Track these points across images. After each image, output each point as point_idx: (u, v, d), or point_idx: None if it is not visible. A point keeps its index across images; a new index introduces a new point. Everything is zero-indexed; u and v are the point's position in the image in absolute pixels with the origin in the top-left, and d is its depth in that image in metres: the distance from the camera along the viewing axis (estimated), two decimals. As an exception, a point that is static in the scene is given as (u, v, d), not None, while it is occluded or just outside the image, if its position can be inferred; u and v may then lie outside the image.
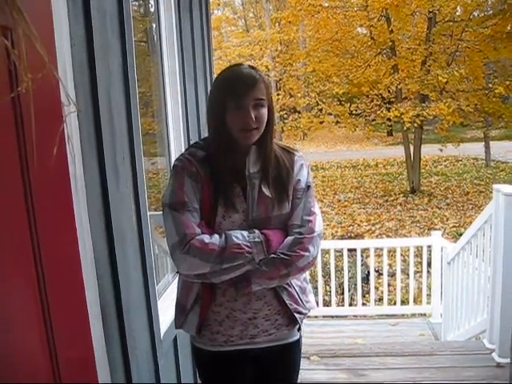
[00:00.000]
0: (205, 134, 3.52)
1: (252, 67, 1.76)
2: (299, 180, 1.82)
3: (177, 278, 2.79)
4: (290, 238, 1.77)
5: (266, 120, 1.72)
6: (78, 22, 1.73)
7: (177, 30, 3.13)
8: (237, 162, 1.75)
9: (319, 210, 1.88)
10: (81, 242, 1.51)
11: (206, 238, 1.67)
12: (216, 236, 1.69)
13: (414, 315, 6.66)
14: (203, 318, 1.80)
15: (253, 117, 1.67)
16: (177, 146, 3.15)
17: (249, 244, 1.68)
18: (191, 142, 3.20)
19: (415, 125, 14.41)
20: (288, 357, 1.97)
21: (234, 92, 1.68)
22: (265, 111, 1.71)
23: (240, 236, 1.69)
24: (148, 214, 2.38)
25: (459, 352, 3.93)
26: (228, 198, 1.73)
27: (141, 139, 2.32)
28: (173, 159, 3.10)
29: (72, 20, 1.65)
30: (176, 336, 2.77)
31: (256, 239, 1.70)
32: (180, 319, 1.88)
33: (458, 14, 14.99)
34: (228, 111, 1.69)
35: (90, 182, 1.73)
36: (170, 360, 2.72)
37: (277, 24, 20.91)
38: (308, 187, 1.84)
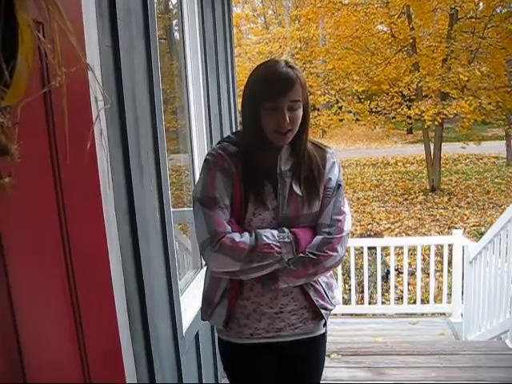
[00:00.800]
0: (226, 130, 3.56)
1: (289, 65, 1.71)
2: (330, 179, 1.81)
3: (199, 274, 2.81)
4: (318, 238, 1.76)
5: (300, 121, 1.70)
6: (105, 21, 1.75)
7: (199, 28, 3.13)
8: (269, 160, 1.74)
9: (348, 208, 1.87)
10: (108, 237, 1.52)
11: (237, 236, 1.67)
12: (246, 234, 1.69)
13: (434, 314, 6.61)
14: (231, 311, 1.81)
15: (287, 119, 1.65)
16: (199, 143, 3.15)
17: (278, 244, 1.68)
18: (213, 139, 3.21)
19: (436, 123, 14.31)
20: (313, 350, 1.97)
21: (270, 92, 1.65)
22: (300, 112, 1.69)
23: (270, 235, 1.68)
24: (171, 210, 2.39)
25: (481, 352, 3.90)
26: (259, 195, 1.72)
27: (164, 136, 2.33)
28: (195, 156, 3.11)
29: (99, 18, 1.66)
30: (198, 332, 2.79)
31: (286, 239, 1.70)
32: (207, 312, 1.88)
33: (480, 10, 14.80)
34: (263, 111, 1.66)
35: (116, 178, 1.74)
36: (191, 356, 2.73)
37: (296, 21, 20.89)
38: (339, 186, 1.83)
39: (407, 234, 11.28)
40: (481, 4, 14.66)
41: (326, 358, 3.75)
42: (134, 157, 1.92)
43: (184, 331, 2.51)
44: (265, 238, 1.67)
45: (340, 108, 16.07)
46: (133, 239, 1.91)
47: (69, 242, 1.20)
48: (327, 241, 1.75)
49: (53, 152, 1.17)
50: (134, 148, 1.94)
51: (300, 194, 1.75)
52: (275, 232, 1.70)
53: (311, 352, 1.97)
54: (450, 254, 6.30)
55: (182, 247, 3.48)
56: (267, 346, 1.85)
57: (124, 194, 1.86)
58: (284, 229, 1.73)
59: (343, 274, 6.86)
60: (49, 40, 0.91)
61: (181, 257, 3.37)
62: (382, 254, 6.68)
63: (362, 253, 6.39)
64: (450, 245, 6.32)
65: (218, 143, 1.84)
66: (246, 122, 1.78)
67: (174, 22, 3.45)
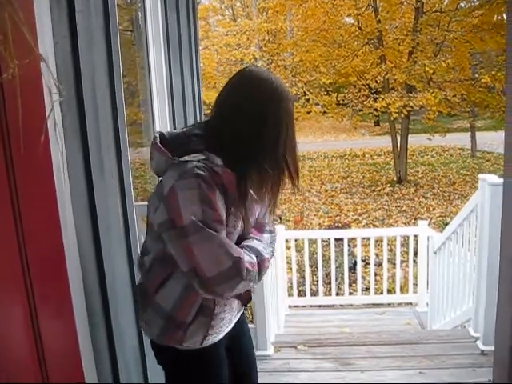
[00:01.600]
0: (190, 123, 3.51)
1: None
2: None
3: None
4: (268, 237, 1.80)
5: None
6: (61, 10, 1.70)
7: (163, 20, 3.10)
8: None
9: None
10: (64, 232, 1.49)
11: (247, 257, 1.60)
12: (248, 252, 1.63)
13: (400, 304, 6.70)
14: (209, 326, 1.72)
15: None
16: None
17: (269, 255, 1.71)
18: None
19: (402, 115, 14.46)
20: (245, 323, 2.07)
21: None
22: None
23: (262, 249, 1.68)
24: (134, 204, 2.36)
25: (445, 340, 3.96)
26: (243, 207, 1.65)
27: (126, 129, 2.29)
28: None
29: (54, 7, 1.62)
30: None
31: (271, 248, 1.74)
32: (175, 336, 1.71)
33: (445, 4, 14.98)
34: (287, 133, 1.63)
35: (74, 172, 1.70)
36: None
37: (264, 13, 20.83)
38: None
39: (374, 226, 11.40)
40: (445, -2, 14.86)
41: (293, 349, 3.81)
42: (93, 150, 1.89)
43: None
44: (264, 254, 1.67)
45: (307, 100, 16.10)
46: (93, 234, 1.88)
47: (23, 236, 1.17)
48: (273, 238, 1.83)
49: (6, 145, 1.14)
50: (94, 141, 1.91)
51: (256, 197, 1.71)
52: (261, 244, 1.71)
53: (244, 325, 2.05)
54: (416, 244, 6.39)
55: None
56: (224, 338, 1.84)
57: (84, 188, 1.83)
58: (259, 238, 1.74)
59: (311, 266, 6.89)
60: (2, 30, 0.88)
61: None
62: (349, 246, 6.73)
63: (329, 244, 6.43)
64: (415, 235, 6.42)
65: (201, 152, 1.59)
66: (274, 141, 1.62)
67: (140, 14, 3.40)
